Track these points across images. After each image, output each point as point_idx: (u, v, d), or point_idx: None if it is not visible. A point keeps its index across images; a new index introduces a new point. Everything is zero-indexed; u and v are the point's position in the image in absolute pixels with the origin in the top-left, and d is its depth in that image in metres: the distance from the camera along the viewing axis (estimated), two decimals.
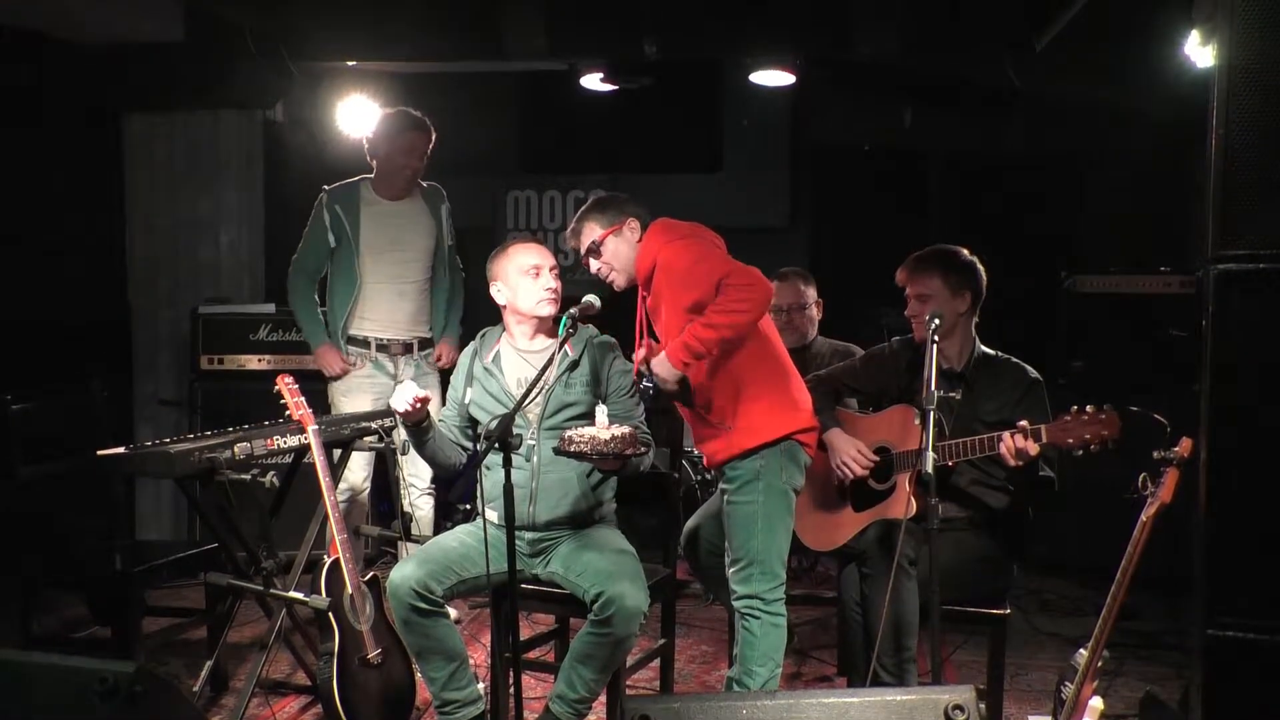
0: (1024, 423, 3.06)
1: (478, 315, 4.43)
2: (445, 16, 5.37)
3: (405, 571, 3.12)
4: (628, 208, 3.30)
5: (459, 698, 3.19)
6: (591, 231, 3.28)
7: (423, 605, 3.10)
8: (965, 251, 3.39)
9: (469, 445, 3.39)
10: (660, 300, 3.20)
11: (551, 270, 3.33)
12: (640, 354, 3.26)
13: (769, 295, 3.05)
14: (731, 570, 3.20)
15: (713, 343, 3.00)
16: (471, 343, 3.47)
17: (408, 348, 4.49)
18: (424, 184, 4.56)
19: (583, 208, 3.36)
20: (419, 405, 3.12)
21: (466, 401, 3.38)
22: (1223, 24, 2.29)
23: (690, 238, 3.21)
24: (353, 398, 4.43)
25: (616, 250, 3.27)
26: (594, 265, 3.32)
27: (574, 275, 4.79)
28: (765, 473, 3.13)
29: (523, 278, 3.31)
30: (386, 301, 4.44)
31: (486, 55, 5.59)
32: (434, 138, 4.45)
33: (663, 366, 3.08)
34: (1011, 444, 3.06)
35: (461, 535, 3.29)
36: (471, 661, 3.28)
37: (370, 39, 5.52)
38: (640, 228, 3.27)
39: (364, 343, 4.45)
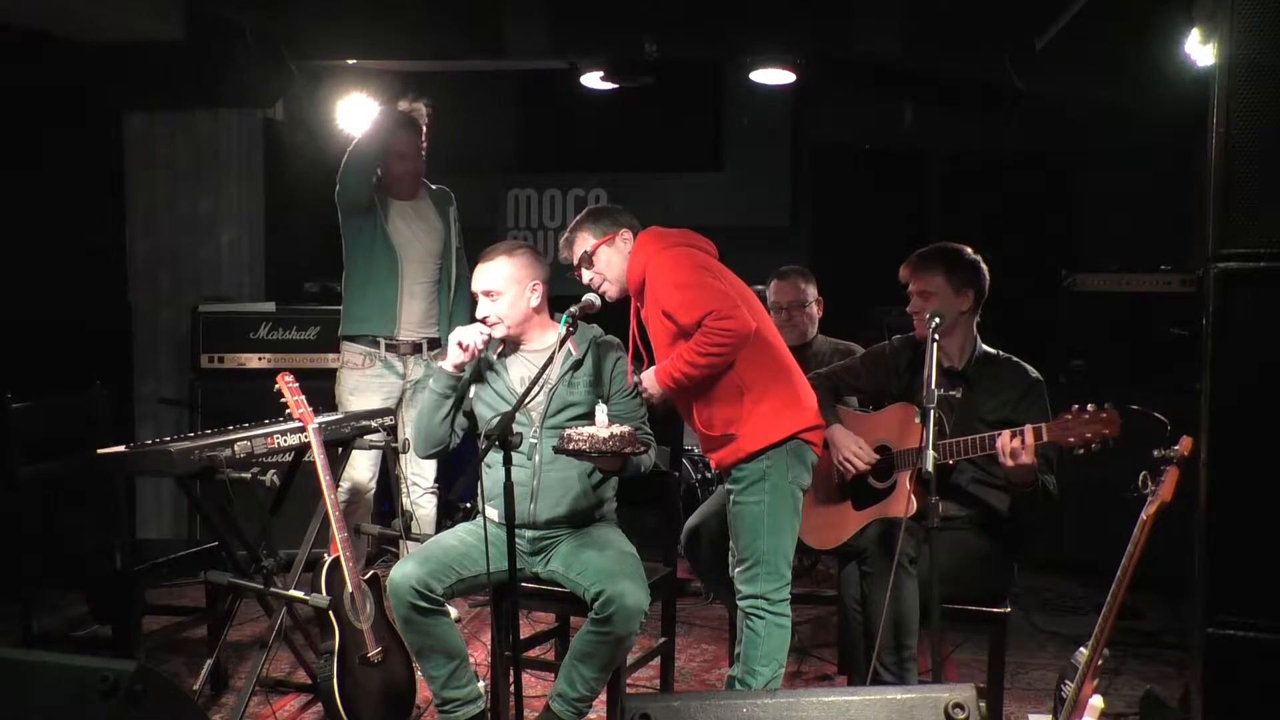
0: (1028, 427, 3.06)
1: None
2: (445, 15, 5.37)
3: (405, 570, 3.12)
4: (620, 218, 3.31)
5: (459, 696, 3.19)
6: (584, 242, 3.29)
7: (423, 604, 3.10)
8: (969, 250, 3.39)
9: (459, 435, 3.39)
10: (651, 310, 3.21)
11: (485, 294, 3.27)
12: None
13: (747, 333, 3.06)
14: (737, 570, 3.21)
15: (695, 379, 3.11)
16: None
17: (417, 348, 4.47)
18: (432, 186, 4.55)
19: (575, 219, 3.37)
20: (484, 345, 3.20)
21: (470, 397, 3.38)
22: (1223, 23, 2.29)
23: (680, 248, 3.22)
24: (360, 396, 4.40)
25: (609, 261, 3.27)
26: (586, 276, 3.32)
27: (567, 274, 4.80)
28: (771, 473, 3.13)
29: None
30: (396, 302, 4.44)
31: (487, 54, 5.60)
32: (423, 129, 4.39)
33: (651, 384, 3.20)
34: (1007, 443, 3.06)
35: (462, 534, 3.29)
36: (472, 660, 3.28)
37: (370, 37, 5.52)
38: (633, 238, 3.28)
39: (373, 342, 4.44)
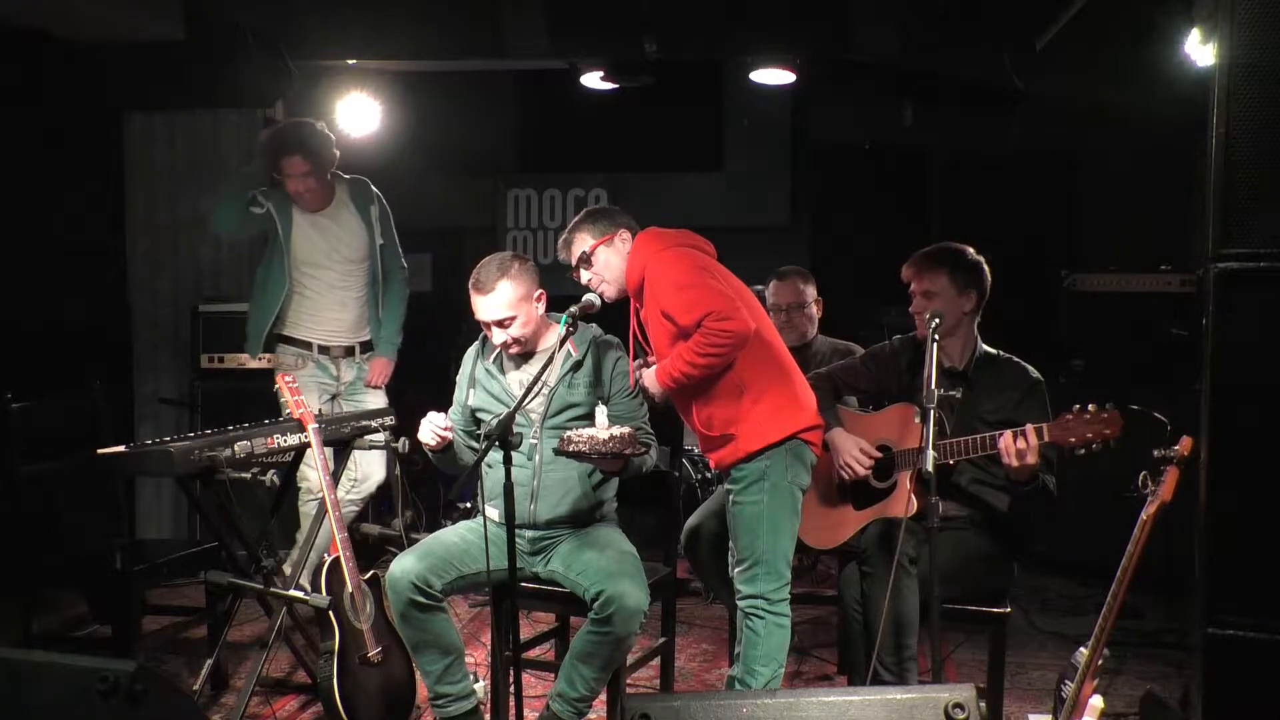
0: (1029, 427, 3.06)
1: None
2: (445, 15, 5.37)
3: (405, 565, 3.12)
4: (619, 219, 3.31)
5: (452, 691, 3.19)
6: (583, 242, 3.29)
7: (421, 599, 3.10)
8: (971, 250, 3.39)
9: (477, 446, 3.39)
10: (650, 311, 3.21)
11: (499, 324, 3.22)
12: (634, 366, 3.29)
13: (747, 333, 3.06)
14: (737, 570, 3.21)
15: (694, 378, 3.10)
16: (474, 345, 3.46)
17: (349, 351, 4.53)
18: (347, 178, 4.52)
19: (573, 220, 3.36)
20: (448, 432, 3.17)
21: (470, 404, 3.38)
22: (1223, 23, 2.29)
23: (680, 248, 3.22)
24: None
25: (608, 261, 3.27)
26: (585, 276, 3.32)
27: (567, 274, 4.82)
28: (771, 473, 3.13)
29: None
30: (328, 311, 4.47)
31: (487, 54, 5.59)
32: (316, 148, 4.30)
33: (651, 383, 3.20)
34: (1011, 444, 3.06)
35: (462, 531, 3.29)
36: (471, 660, 3.28)
37: (370, 37, 5.51)
38: (631, 238, 3.28)
39: (305, 344, 4.48)
